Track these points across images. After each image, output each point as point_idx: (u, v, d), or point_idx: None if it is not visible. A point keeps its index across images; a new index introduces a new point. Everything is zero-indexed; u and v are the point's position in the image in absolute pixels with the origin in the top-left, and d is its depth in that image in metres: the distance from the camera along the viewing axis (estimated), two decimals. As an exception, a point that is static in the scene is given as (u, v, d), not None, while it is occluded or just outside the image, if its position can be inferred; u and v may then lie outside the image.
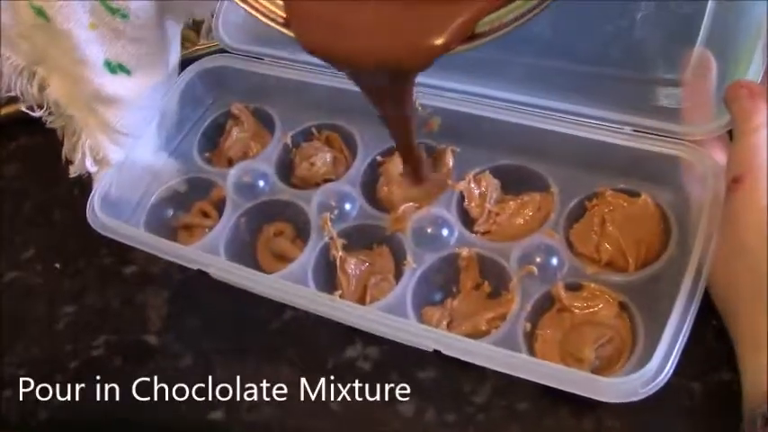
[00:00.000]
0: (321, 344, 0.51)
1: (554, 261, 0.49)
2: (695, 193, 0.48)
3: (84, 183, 0.62)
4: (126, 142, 0.57)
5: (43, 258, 0.60)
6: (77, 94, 0.55)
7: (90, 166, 0.56)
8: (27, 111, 0.58)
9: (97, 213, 0.54)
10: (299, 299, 0.48)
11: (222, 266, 0.50)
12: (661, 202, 0.50)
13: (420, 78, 0.55)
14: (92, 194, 0.55)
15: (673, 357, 0.41)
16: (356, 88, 0.57)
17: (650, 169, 0.50)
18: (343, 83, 0.57)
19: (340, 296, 0.48)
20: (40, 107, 0.57)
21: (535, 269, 0.49)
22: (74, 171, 0.57)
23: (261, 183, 0.57)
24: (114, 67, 0.53)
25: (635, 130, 0.50)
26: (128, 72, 0.54)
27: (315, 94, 0.59)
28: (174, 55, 0.58)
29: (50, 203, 0.63)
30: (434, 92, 0.56)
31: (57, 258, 0.60)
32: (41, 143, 0.68)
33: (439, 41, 0.40)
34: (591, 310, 0.48)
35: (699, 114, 0.49)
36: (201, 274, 0.51)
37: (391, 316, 0.46)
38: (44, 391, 0.53)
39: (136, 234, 0.53)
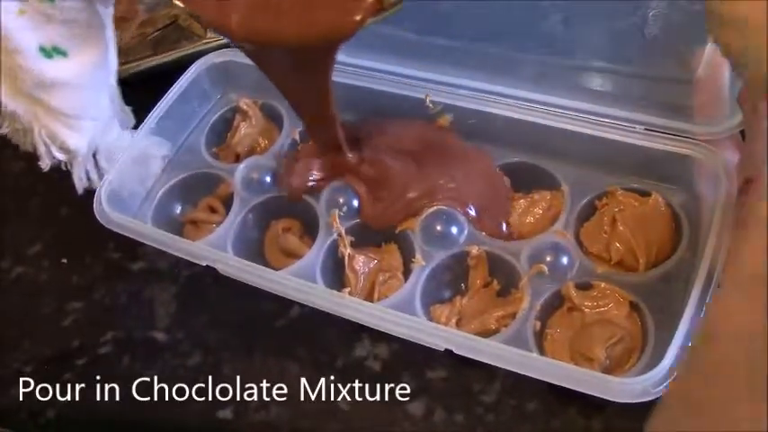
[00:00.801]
0: (330, 342, 0.51)
1: (564, 260, 0.49)
2: (707, 193, 0.48)
3: (91, 178, 0.62)
4: (83, 126, 0.55)
5: (50, 254, 0.60)
6: (19, 86, 0.53)
7: (58, 154, 0.55)
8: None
9: (104, 208, 0.54)
10: (308, 296, 0.48)
11: (230, 262, 0.50)
12: (672, 201, 0.50)
13: (432, 75, 0.56)
14: (98, 189, 0.55)
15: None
16: (365, 84, 0.57)
17: (662, 168, 0.50)
18: (351, 78, 0.58)
19: (348, 293, 0.48)
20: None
21: (545, 268, 0.49)
22: (44, 164, 0.56)
23: (268, 178, 0.57)
24: (50, 52, 0.51)
25: (647, 129, 0.50)
26: (64, 54, 0.52)
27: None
28: (110, 31, 0.56)
29: (57, 199, 0.63)
30: (446, 89, 0.55)
31: (64, 254, 0.60)
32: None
33: (358, 16, 0.42)
34: (601, 309, 0.48)
35: (711, 113, 0.49)
36: (209, 269, 0.51)
37: (402, 314, 0.46)
38: (51, 389, 0.53)
39: (143, 229, 0.53)
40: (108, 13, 0.54)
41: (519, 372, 0.43)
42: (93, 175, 0.58)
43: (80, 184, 0.57)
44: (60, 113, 0.54)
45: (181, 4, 0.46)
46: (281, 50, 0.47)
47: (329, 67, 0.47)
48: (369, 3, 0.42)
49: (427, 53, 0.56)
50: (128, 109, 0.59)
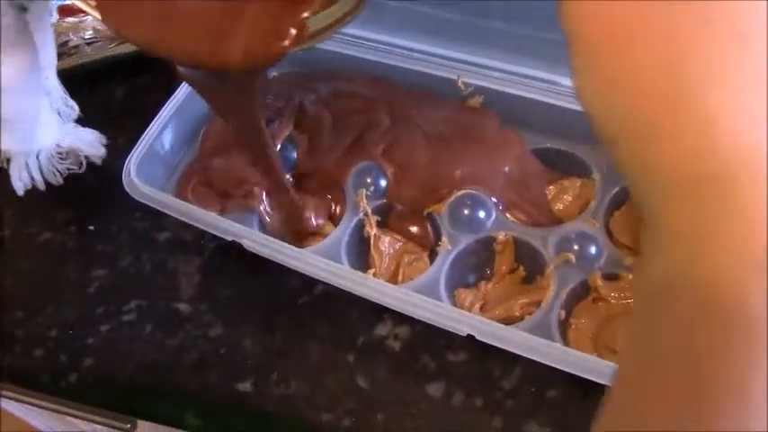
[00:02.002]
0: (351, 320, 0.51)
1: (592, 249, 0.48)
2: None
3: (120, 146, 0.62)
4: (15, 128, 0.55)
5: (78, 221, 0.61)
6: None
7: None
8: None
9: (133, 178, 0.54)
10: (332, 275, 0.47)
11: (256, 239, 0.50)
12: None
13: (464, 56, 0.55)
14: (128, 158, 0.55)
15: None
16: (397, 63, 0.57)
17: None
18: (381, 56, 0.57)
19: (373, 274, 0.48)
20: None
21: (572, 256, 0.48)
22: None
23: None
24: None
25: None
26: None
27: (353, 65, 0.58)
28: (44, 33, 0.54)
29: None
30: (478, 70, 0.55)
31: (91, 221, 0.60)
32: (79, 105, 0.68)
33: (285, 42, 0.40)
34: (628, 300, 0.47)
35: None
36: (235, 244, 0.51)
37: (425, 297, 0.45)
38: (75, 354, 0.53)
39: (169, 201, 0.53)
40: (42, 23, 0.54)
41: (540, 361, 0.43)
42: (36, 175, 0.57)
43: (18, 185, 0.57)
44: None
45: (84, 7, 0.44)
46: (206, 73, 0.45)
47: (253, 95, 0.47)
48: (294, 34, 0.39)
49: (461, 33, 0.55)
50: (72, 102, 0.59)
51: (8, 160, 0.57)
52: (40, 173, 0.58)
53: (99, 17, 0.43)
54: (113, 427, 0.60)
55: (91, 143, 0.60)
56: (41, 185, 0.58)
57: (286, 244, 0.49)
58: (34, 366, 0.54)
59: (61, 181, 0.59)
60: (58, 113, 0.59)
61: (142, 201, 0.53)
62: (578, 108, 0.51)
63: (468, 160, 0.53)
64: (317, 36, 0.40)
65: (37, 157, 0.57)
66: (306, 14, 0.39)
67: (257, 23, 0.39)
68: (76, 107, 0.60)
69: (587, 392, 0.45)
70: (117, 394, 0.53)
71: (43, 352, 0.54)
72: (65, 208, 0.61)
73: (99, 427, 0.60)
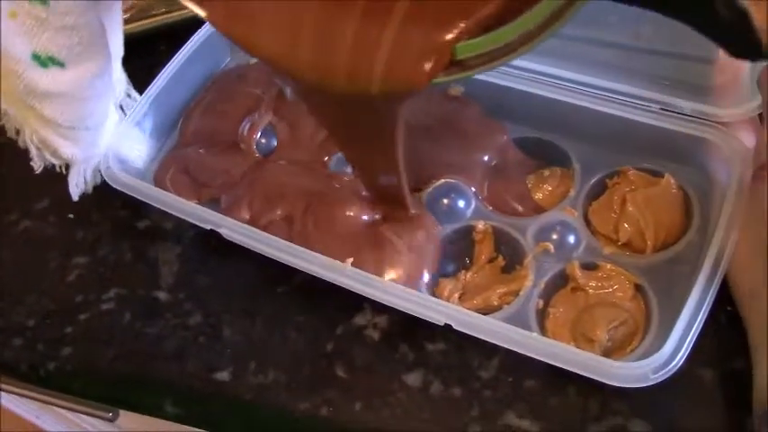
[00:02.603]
0: (330, 310, 0.51)
1: (571, 239, 0.48)
2: (721, 177, 0.47)
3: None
4: (79, 135, 0.51)
5: (57, 209, 0.60)
6: (9, 87, 0.48)
7: (51, 159, 0.52)
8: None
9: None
10: (310, 264, 0.47)
11: (234, 227, 0.49)
12: (685, 184, 0.49)
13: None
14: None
15: (686, 345, 0.40)
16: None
17: (676, 150, 0.49)
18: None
19: (352, 264, 0.48)
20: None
21: (551, 246, 0.48)
22: (36, 166, 0.53)
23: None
24: (45, 61, 0.46)
25: (662, 109, 0.49)
26: (61, 65, 0.47)
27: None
28: (116, 36, 0.51)
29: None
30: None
31: (71, 209, 0.60)
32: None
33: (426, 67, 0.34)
34: (606, 290, 0.47)
35: (730, 95, 0.47)
36: (215, 232, 0.51)
37: (403, 287, 0.45)
38: (53, 343, 0.53)
39: (147, 190, 0.53)
40: (113, 19, 0.51)
41: (517, 350, 0.43)
42: (90, 178, 0.55)
43: (75, 190, 0.55)
44: (53, 123, 0.50)
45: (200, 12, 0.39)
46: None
47: (395, 124, 0.41)
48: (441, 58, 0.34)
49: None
50: (135, 93, 0.57)
51: (67, 166, 0.54)
52: (92, 177, 0.55)
53: (204, 15, 0.39)
54: (95, 416, 0.60)
55: (138, 140, 0.57)
56: (90, 188, 0.56)
57: (264, 233, 0.49)
58: (14, 356, 0.53)
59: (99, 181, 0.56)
60: (121, 108, 0.56)
61: (120, 189, 0.53)
62: (559, 98, 0.52)
63: (448, 149, 0.53)
64: (475, 67, 0.34)
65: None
66: (452, 36, 0.33)
67: (401, 41, 0.34)
68: (138, 97, 0.57)
69: (565, 382, 0.45)
70: (96, 383, 0.53)
71: (22, 341, 0.54)
72: (44, 196, 0.61)
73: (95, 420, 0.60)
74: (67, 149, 0.52)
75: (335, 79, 0.36)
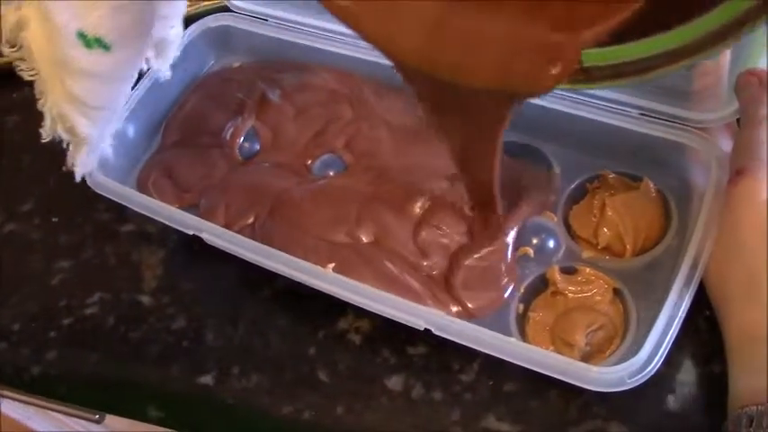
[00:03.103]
0: (313, 314, 0.51)
1: (551, 243, 0.49)
2: (699, 181, 0.47)
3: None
4: (99, 115, 0.50)
5: (41, 212, 0.60)
6: (48, 51, 0.46)
7: (62, 134, 0.50)
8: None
9: (94, 171, 0.53)
10: (290, 269, 0.47)
11: (215, 232, 0.50)
12: (663, 188, 0.49)
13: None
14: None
15: (662, 350, 0.41)
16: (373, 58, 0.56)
17: (655, 154, 0.49)
18: (349, 49, 0.57)
19: (333, 269, 0.48)
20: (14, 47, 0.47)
21: (531, 251, 0.48)
22: (45, 135, 0.50)
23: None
24: (90, 41, 0.44)
25: (642, 114, 0.49)
26: (106, 48, 0.45)
27: (320, 58, 0.58)
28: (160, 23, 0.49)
29: (49, 157, 0.62)
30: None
31: (54, 212, 0.60)
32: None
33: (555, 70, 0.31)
34: (585, 294, 0.47)
35: (708, 101, 0.48)
36: (196, 236, 0.51)
37: (382, 292, 0.46)
38: (37, 347, 0.53)
39: (129, 194, 0.53)
40: (161, 5, 0.48)
41: (496, 355, 0.43)
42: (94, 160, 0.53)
43: (80, 170, 0.53)
44: (80, 102, 0.48)
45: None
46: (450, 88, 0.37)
47: (502, 122, 0.40)
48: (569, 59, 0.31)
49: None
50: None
51: (68, 144, 0.51)
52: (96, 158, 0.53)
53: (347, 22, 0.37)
54: (82, 418, 0.60)
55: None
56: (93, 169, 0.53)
57: (245, 238, 0.49)
58: (-2, 360, 0.54)
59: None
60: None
61: (103, 193, 0.53)
62: (541, 103, 0.52)
63: (432, 151, 0.53)
64: (599, 80, 0.32)
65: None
66: (585, 38, 0.30)
67: (529, 39, 0.32)
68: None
69: (545, 386, 0.46)
70: (80, 387, 0.53)
71: (7, 345, 0.54)
72: (28, 199, 0.61)
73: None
74: (85, 128, 0.49)
75: (458, 74, 0.35)
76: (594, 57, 0.31)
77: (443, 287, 0.48)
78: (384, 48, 0.37)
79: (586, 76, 0.33)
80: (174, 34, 0.48)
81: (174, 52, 0.50)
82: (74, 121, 0.48)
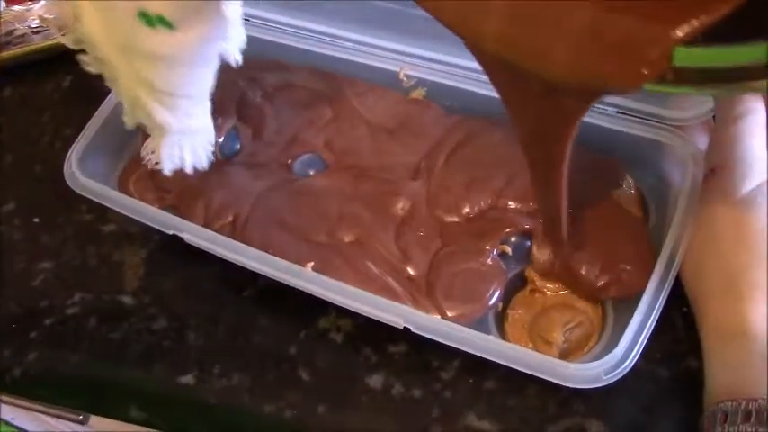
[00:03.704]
0: (294, 312, 0.51)
1: (528, 241, 0.49)
2: (675, 179, 0.48)
3: (67, 137, 0.61)
4: (179, 104, 0.46)
5: (22, 212, 0.60)
6: (111, 36, 0.44)
7: (143, 120, 0.48)
8: (65, 42, 0.45)
9: (74, 171, 0.53)
10: (271, 269, 0.48)
11: (195, 232, 0.50)
12: (640, 185, 0.50)
13: (407, 48, 0.55)
14: (70, 150, 0.54)
15: (638, 346, 0.41)
16: (334, 53, 0.56)
17: (631, 152, 0.49)
18: (330, 49, 0.57)
19: (312, 268, 0.48)
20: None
21: (509, 249, 0.48)
22: (128, 124, 0.49)
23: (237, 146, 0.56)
24: (153, 20, 0.41)
25: (618, 112, 0.49)
26: (170, 26, 0.41)
27: (301, 58, 0.58)
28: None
29: (31, 157, 0.63)
30: (420, 62, 0.55)
31: (36, 213, 0.60)
32: (25, 95, 0.67)
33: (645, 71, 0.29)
34: (563, 292, 0.48)
35: (684, 99, 0.48)
36: (177, 236, 0.51)
37: (362, 291, 0.46)
38: (18, 348, 0.53)
39: (110, 194, 0.53)
40: None
41: (474, 353, 0.43)
42: (188, 156, 0.49)
43: (169, 165, 0.49)
44: (150, 85, 0.45)
45: None
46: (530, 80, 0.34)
47: (576, 118, 0.37)
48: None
49: (404, 25, 0.54)
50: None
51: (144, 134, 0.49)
52: (191, 154, 0.49)
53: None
54: (65, 419, 0.60)
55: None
56: (190, 168, 0.50)
57: (225, 238, 0.49)
58: (-21, 361, 0.54)
59: (206, 166, 0.51)
60: None
61: (82, 193, 0.53)
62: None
63: (412, 150, 0.54)
64: (691, 83, 0.29)
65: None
66: (679, 34, 0.27)
67: (617, 32, 0.30)
68: None
69: (524, 383, 0.46)
70: (61, 388, 0.53)
71: (-13, 346, 0.54)
72: (9, 199, 0.61)
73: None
74: (161, 115, 0.46)
75: (537, 64, 0.33)
76: (686, 56, 0.28)
77: (425, 291, 0.48)
78: (463, 32, 0.35)
79: (676, 76, 0.29)
80: (232, 12, 0.43)
81: (239, 33, 0.45)
82: (149, 106, 0.46)
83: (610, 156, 0.50)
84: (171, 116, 0.46)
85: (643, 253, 0.46)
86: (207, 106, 0.48)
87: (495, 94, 0.51)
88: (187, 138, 0.49)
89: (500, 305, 0.47)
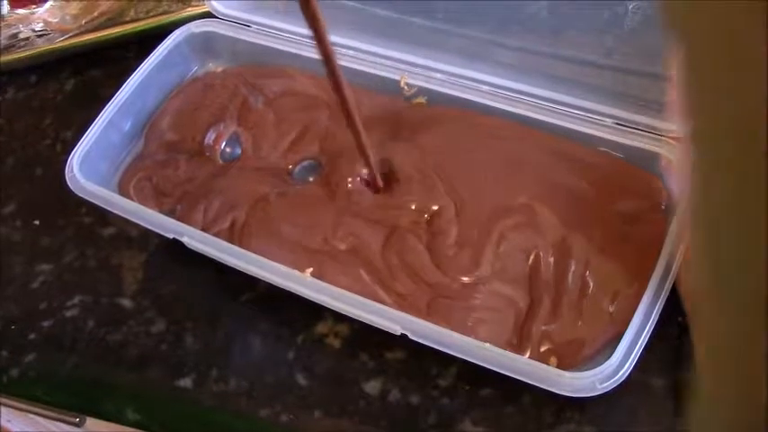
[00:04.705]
0: (293, 318, 0.51)
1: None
2: (673, 190, 0.48)
3: (69, 140, 0.62)
4: None
5: (23, 214, 0.60)
6: None
7: None
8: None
9: (75, 174, 0.54)
10: (270, 274, 0.48)
11: (196, 236, 0.50)
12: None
13: (408, 56, 0.56)
14: (71, 154, 0.55)
15: (633, 356, 0.41)
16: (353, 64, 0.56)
17: (630, 163, 0.50)
18: (340, 60, 0.57)
19: (311, 274, 0.48)
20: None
21: (507, 256, 0.49)
22: None
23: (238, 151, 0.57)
24: None
25: (616, 123, 0.50)
26: None
27: (302, 65, 0.59)
28: None
29: (32, 159, 0.63)
30: (422, 71, 0.55)
31: (36, 215, 0.60)
32: (27, 98, 0.68)
33: None
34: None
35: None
36: (179, 240, 0.51)
37: (360, 297, 0.46)
38: (16, 349, 0.53)
39: (111, 198, 0.53)
40: None
41: (471, 361, 0.43)
42: None
43: None
44: None
45: None
46: None
47: None
48: None
49: (406, 34, 0.55)
50: None
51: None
52: None
53: None
54: (61, 421, 0.60)
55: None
56: None
57: (225, 242, 0.49)
58: (-23, 362, 0.54)
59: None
60: None
61: (84, 197, 0.53)
62: (517, 111, 0.53)
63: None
64: None
65: None
66: None
67: None
68: None
69: (520, 391, 0.46)
70: (58, 390, 0.53)
71: (-15, 347, 0.54)
72: (10, 201, 0.61)
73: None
74: None
75: None
76: None
77: (423, 313, 0.47)
78: None
79: None
80: None
81: None
82: None
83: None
84: None
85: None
86: None
87: (496, 104, 0.52)
88: None
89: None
